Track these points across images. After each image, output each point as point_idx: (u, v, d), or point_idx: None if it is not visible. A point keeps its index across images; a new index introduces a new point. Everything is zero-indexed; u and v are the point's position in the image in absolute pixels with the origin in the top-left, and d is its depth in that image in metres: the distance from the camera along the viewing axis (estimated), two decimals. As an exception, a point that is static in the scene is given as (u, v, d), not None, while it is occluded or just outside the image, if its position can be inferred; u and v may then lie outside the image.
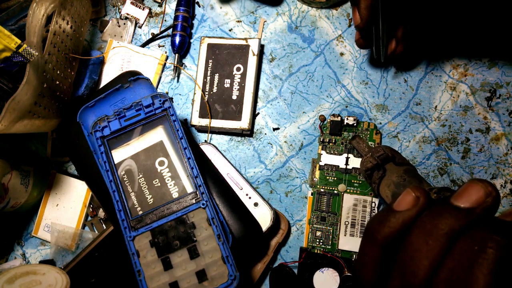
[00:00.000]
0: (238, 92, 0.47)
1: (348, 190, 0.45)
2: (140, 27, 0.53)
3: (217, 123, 0.47)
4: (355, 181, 0.45)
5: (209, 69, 0.48)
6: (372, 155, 0.41)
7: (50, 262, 0.49)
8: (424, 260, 0.20)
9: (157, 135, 0.42)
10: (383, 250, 0.22)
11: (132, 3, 0.52)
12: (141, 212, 0.40)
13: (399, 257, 0.21)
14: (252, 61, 0.47)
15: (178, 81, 0.51)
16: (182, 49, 0.50)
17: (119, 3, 0.53)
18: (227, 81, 0.48)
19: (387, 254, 0.22)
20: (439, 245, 0.20)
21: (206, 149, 0.47)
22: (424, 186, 0.35)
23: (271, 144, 0.49)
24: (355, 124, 0.46)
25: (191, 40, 0.52)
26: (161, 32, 0.52)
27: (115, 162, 0.42)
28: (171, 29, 0.51)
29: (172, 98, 0.51)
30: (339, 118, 0.46)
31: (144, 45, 0.52)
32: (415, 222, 0.22)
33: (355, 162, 0.46)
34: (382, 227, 0.22)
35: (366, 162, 0.42)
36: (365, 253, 0.23)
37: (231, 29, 0.51)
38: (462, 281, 0.19)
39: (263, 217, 0.44)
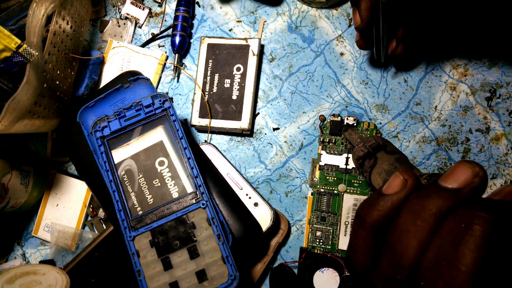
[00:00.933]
0: (238, 92, 0.47)
1: (348, 190, 0.45)
2: (140, 27, 0.53)
3: (217, 123, 0.47)
4: (355, 181, 0.45)
5: (209, 69, 0.48)
6: (363, 144, 0.42)
7: (50, 262, 0.49)
8: (412, 240, 0.20)
9: (157, 135, 0.42)
10: (374, 233, 0.22)
11: (132, 3, 0.52)
12: (141, 212, 0.40)
13: (388, 239, 0.22)
14: (252, 61, 0.47)
15: (178, 81, 0.51)
16: (182, 49, 0.50)
17: (119, 3, 0.53)
18: (227, 81, 0.48)
19: (377, 237, 0.22)
20: (427, 225, 0.20)
21: (206, 149, 0.47)
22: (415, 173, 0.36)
23: (271, 144, 0.49)
24: (355, 124, 0.46)
25: (191, 40, 0.52)
26: (161, 32, 0.52)
27: (115, 162, 0.42)
28: (171, 29, 0.51)
29: (172, 98, 0.51)
30: (339, 118, 0.46)
31: (144, 45, 0.52)
32: (404, 204, 0.22)
33: (355, 162, 0.46)
34: (372, 210, 0.22)
35: (357, 151, 0.42)
36: (356, 236, 0.23)
37: (231, 29, 0.51)
38: (449, 259, 0.19)
39: (263, 217, 0.44)
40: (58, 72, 0.44)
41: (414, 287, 0.20)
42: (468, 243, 0.18)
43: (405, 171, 0.23)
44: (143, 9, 0.52)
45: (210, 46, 0.49)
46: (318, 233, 0.45)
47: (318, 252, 0.45)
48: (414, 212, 0.21)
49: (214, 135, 0.50)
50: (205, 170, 0.44)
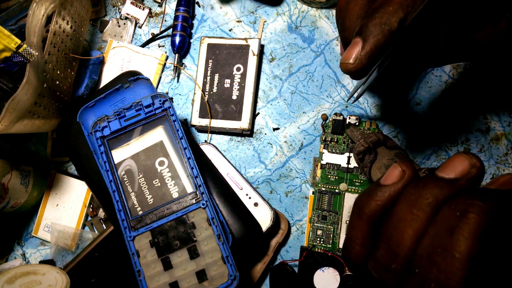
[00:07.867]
0: (238, 92, 0.47)
1: (349, 189, 0.45)
2: (140, 27, 0.53)
3: (217, 123, 0.47)
4: (357, 180, 0.45)
5: (209, 69, 0.48)
6: (364, 139, 0.42)
7: (50, 262, 0.48)
8: (408, 229, 0.20)
9: (157, 135, 0.42)
10: (371, 224, 0.22)
11: (132, 3, 0.52)
12: (141, 212, 0.40)
13: (385, 228, 0.22)
14: (252, 61, 0.47)
15: (178, 81, 0.51)
16: (182, 49, 0.50)
17: (119, 3, 0.53)
18: (227, 81, 0.48)
19: (375, 228, 0.22)
20: (423, 214, 0.20)
21: (206, 149, 0.47)
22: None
23: (271, 144, 0.49)
24: (357, 124, 0.46)
25: (191, 40, 0.52)
26: (161, 32, 0.52)
27: (115, 162, 0.42)
28: (171, 29, 0.51)
29: (172, 98, 0.51)
30: (341, 117, 0.46)
31: (144, 45, 0.52)
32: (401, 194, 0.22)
33: (355, 162, 0.46)
34: (370, 200, 0.23)
35: (358, 146, 0.42)
36: (353, 227, 0.23)
37: (231, 29, 0.51)
38: (444, 246, 0.19)
39: (263, 217, 0.44)
40: (58, 72, 0.44)
41: (409, 275, 0.20)
42: (463, 231, 0.18)
43: (403, 162, 0.23)
44: (143, 9, 0.52)
45: (210, 46, 0.49)
46: (319, 232, 0.45)
47: (319, 251, 0.45)
48: (410, 201, 0.21)
49: (214, 135, 0.50)
50: (205, 170, 0.44)
